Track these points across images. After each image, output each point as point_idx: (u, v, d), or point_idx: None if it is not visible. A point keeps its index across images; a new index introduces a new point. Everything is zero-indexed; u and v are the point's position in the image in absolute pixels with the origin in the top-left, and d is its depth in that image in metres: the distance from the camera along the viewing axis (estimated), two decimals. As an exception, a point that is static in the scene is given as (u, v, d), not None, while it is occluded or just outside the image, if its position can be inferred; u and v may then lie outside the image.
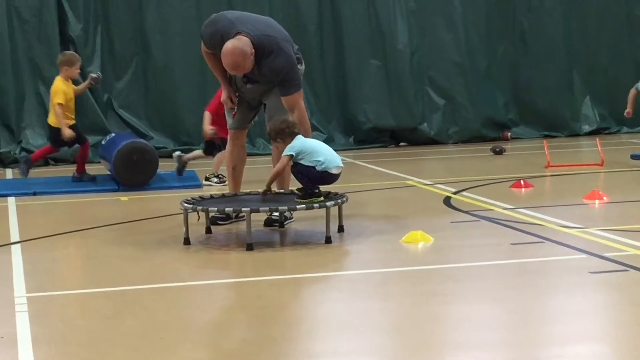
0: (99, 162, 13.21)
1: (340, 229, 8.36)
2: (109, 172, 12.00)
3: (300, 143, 8.11)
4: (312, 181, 8.10)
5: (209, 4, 14.50)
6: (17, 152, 14.39)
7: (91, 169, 12.29)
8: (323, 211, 7.97)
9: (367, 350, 5.34)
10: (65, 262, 7.80)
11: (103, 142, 12.61)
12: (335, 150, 8.51)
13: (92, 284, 6.95)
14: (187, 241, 8.08)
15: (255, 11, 8.27)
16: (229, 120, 9.00)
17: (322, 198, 8.12)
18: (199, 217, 8.35)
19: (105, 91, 14.94)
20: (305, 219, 8.70)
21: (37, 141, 14.50)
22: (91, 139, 14.51)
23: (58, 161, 14.42)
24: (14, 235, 8.74)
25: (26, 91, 14.68)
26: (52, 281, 7.16)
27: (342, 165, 8.28)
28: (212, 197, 8.61)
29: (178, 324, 5.97)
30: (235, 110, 8.83)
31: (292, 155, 8.08)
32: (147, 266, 7.59)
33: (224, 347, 5.50)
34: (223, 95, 8.86)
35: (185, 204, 8.16)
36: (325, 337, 5.60)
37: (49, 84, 14.56)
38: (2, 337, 5.61)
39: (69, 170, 13.60)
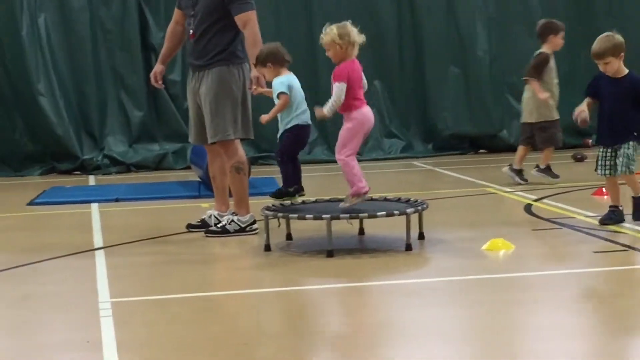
0: (188, 168, 13.35)
1: (421, 236, 8.35)
2: (199, 179, 12.06)
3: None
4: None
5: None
6: (99, 158, 14.59)
7: (178, 175, 12.35)
8: (403, 218, 7.96)
9: (448, 358, 5.32)
10: (147, 267, 7.87)
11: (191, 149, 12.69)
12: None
13: (174, 290, 7.01)
14: (267, 248, 8.13)
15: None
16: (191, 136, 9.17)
17: (296, 197, 8.49)
18: (279, 223, 8.39)
19: (186, 98, 15.03)
20: (386, 227, 8.69)
21: (118, 148, 14.70)
22: (172, 147, 14.76)
23: (140, 167, 14.60)
24: (98, 241, 8.86)
25: (108, 99, 14.88)
26: (135, 287, 7.24)
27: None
28: (292, 204, 8.64)
29: (260, 329, 6.01)
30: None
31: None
32: (229, 272, 7.65)
33: (306, 353, 5.52)
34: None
35: (267, 211, 8.22)
36: (405, 344, 5.59)
37: (130, 91, 14.82)
38: (88, 342, 5.69)
39: (150, 177, 13.79)
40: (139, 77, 14.83)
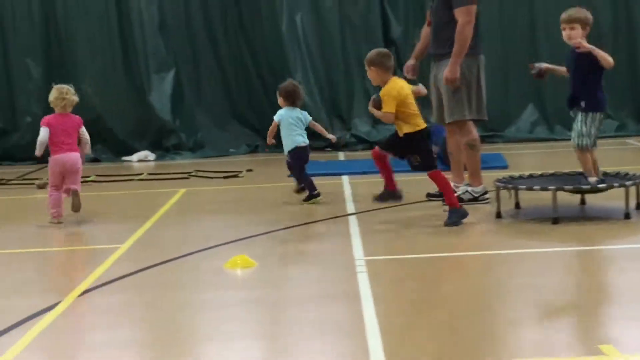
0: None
1: (638, 206, 8.07)
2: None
3: None
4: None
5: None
6: (347, 137, 14.77)
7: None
8: (621, 191, 7.73)
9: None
10: (393, 231, 7.91)
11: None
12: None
13: (417, 251, 7.04)
14: (498, 215, 8.04)
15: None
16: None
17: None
18: (510, 195, 8.28)
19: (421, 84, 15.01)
20: (605, 198, 8.43)
21: (364, 128, 14.85)
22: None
23: (381, 145, 14.69)
24: (350, 208, 8.98)
25: (355, 86, 15.01)
26: (384, 247, 7.30)
27: None
28: (520, 177, 8.51)
29: (493, 287, 5.97)
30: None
31: None
32: (464, 236, 7.61)
33: (534, 308, 5.43)
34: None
35: (498, 183, 8.14)
36: (630, 304, 5.43)
37: (374, 79, 14.92)
38: (348, 294, 5.78)
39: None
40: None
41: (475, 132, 8.83)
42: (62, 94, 8.98)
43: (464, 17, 8.47)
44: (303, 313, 5.49)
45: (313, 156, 13.72)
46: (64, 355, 4.99)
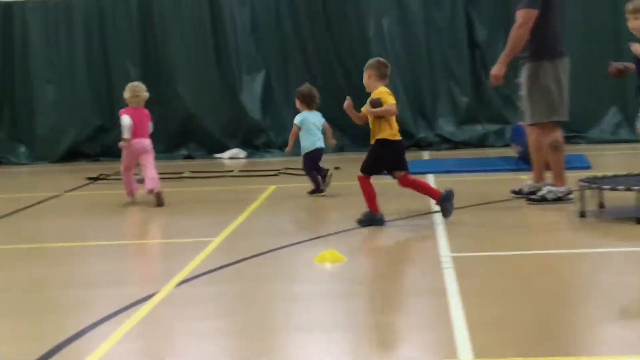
0: (506, 146, 13.30)
1: None
2: (518, 154, 11.89)
3: None
4: None
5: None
6: (431, 137, 14.71)
7: (498, 152, 12.23)
8: None
9: None
10: (478, 228, 7.84)
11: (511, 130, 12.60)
12: None
13: (502, 248, 6.97)
14: (582, 214, 7.93)
15: None
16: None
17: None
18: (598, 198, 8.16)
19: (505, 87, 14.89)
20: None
21: (448, 128, 14.77)
22: (492, 127, 14.67)
23: (465, 145, 14.57)
24: (434, 206, 8.89)
25: (439, 87, 14.94)
26: (469, 244, 7.23)
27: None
28: (604, 177, 8.38)
29: (578, 284, 5.89)
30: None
31: None
32: (549, 234, 7.52)
33: (620, 305, 5.34)
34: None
35: (583, 183, 8.03)
36: None
37: (458, 81, 14.84)
38: (434, 289, 5.75)
39: (474, 153, 13.76)
40: (465, 69, 14.84)
41: (558, 134, 8.72)
42: (136, 92, 9.80)
43: (520, 18, 8.44)
44: (390, 306, 5.48)
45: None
46: (160, 343, 5.06)
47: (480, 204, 8.82)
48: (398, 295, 5.74)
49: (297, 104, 10.18)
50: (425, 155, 13.92)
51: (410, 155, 13.49)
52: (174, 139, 14.76)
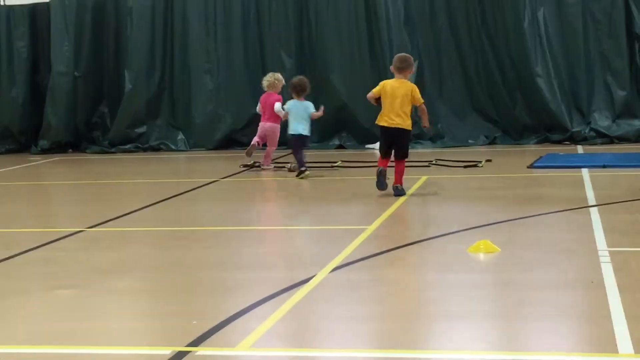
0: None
1: None
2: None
3: None
4: None
5: None
6: (586, 131, 14.39)
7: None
8: None
9: None
10: (637, 223, 7.66)
11: None
12: None
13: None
14: None
15: None
16: None
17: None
18: None
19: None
20: None
21: (603, 122, 14.41)
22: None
23: (621, 140, 14.19)
24: (590, 199, 8.77)
25: (595, 80, 14.61)
26: (627, 239, 7.08)
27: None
28: None
29: None
30: None
31: None
32: None
33: None
34: None
35: None
36: None
37: (616, 73, 14.47)
38: (592, 282, 5.67)
39: (631, 148, 13.41)
40: (624, 61, 14.46)
41: None
42: (275, 80, 12.17)
43: None
44: (546, 297, 5.43)
45: (553, 149, 13.61)
46: (314, 325, 5.16)
47: (638, 200, 8.60)
48: (553, 287, 5.66)
49: (291, 93, 11.40)
50: (579, 149, 13.64)
51: (563, 149, 13.43)
52: (326, 129, 14.89)
